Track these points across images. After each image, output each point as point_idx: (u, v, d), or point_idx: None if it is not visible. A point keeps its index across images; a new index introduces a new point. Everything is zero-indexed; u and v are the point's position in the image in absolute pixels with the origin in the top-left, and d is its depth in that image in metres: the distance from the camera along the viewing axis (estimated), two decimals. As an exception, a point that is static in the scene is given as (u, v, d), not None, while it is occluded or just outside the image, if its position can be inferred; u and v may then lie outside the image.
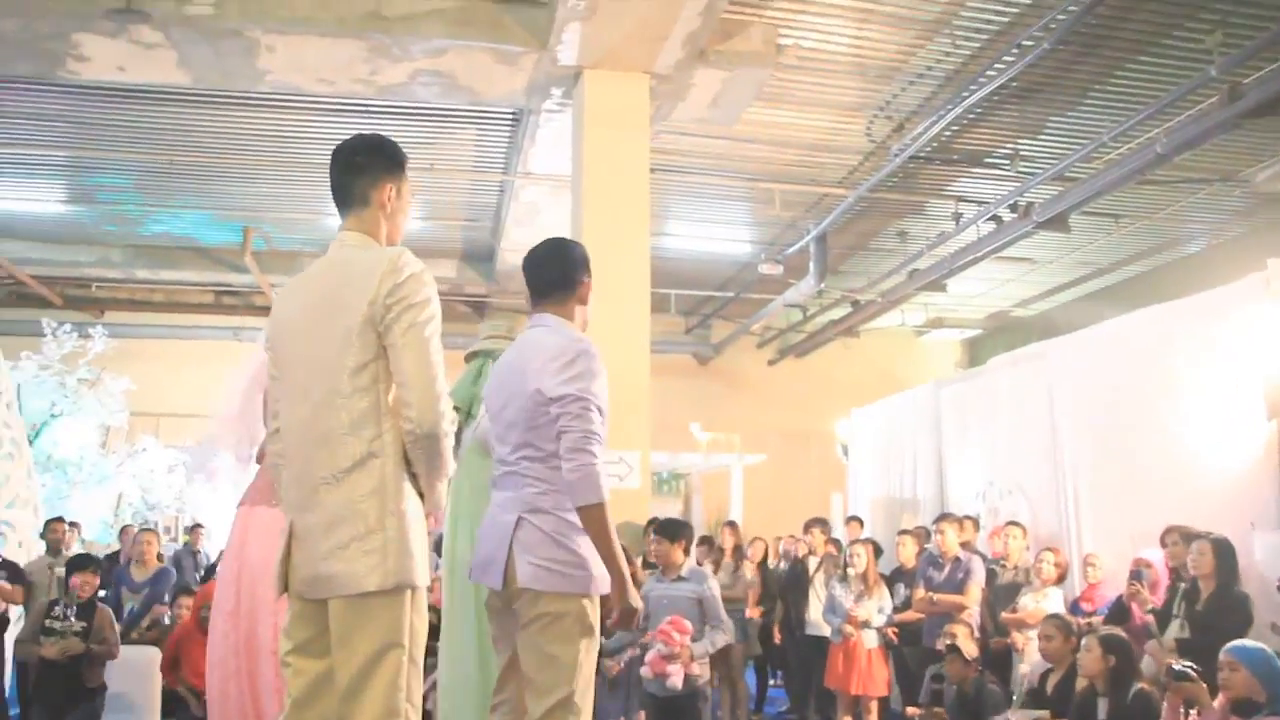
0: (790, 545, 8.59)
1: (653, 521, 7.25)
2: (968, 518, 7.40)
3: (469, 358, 3.55)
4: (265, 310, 15.06)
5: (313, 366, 2.45)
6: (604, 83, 7.62)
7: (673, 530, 5.10)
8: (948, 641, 5.57)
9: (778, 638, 7.82)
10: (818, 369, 15.04)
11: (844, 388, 13.45)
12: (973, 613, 6.14)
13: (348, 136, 2.70)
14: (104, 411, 11.43)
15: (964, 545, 7.05)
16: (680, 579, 5.02)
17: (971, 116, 8.70)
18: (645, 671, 4.90)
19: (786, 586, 7.82)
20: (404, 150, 2.70)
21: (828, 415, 13.29)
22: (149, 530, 7.93)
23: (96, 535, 10.75)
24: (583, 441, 2.71)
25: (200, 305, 13.78)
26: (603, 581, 2.76)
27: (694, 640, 4.81)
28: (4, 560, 6.60)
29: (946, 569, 6.40)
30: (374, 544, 2.33)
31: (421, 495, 2.46)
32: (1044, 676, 5.03)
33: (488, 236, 12.20)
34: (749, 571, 7.86)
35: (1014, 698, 5.57)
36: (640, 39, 7.19)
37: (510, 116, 9.11)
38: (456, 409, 3.36)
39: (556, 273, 3.02)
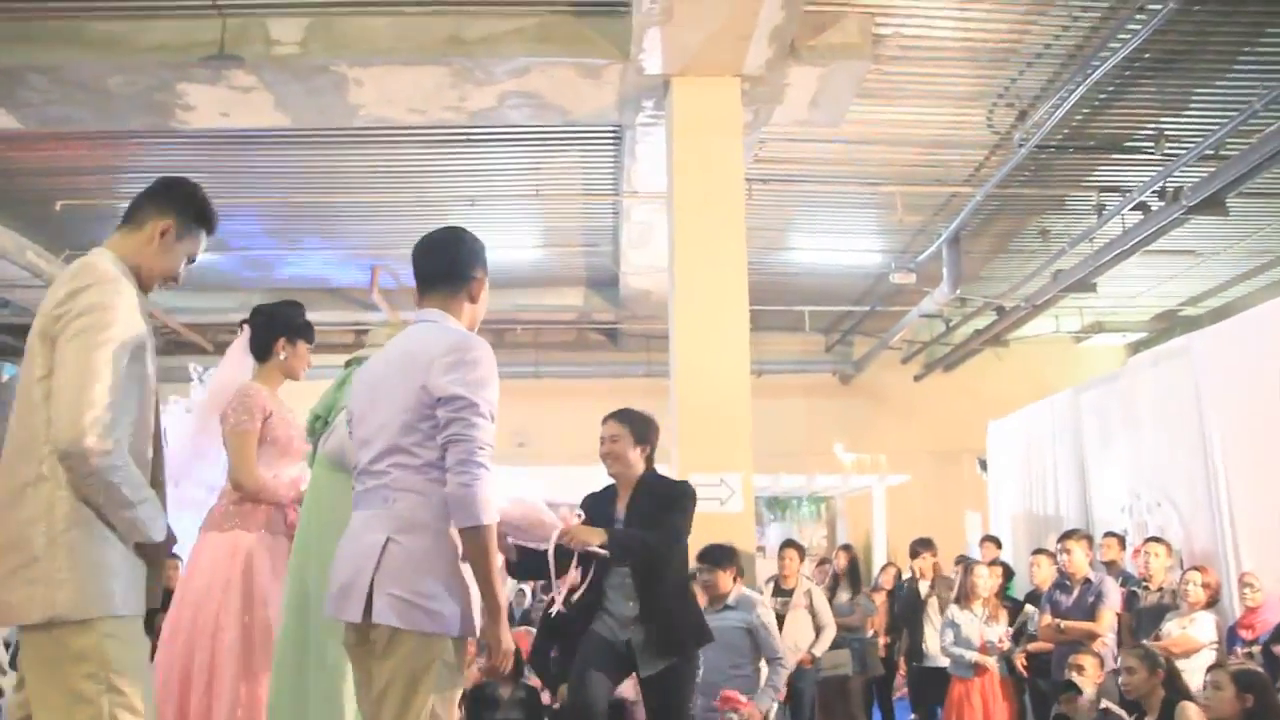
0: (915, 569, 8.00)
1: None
2: (1111, 535, 6.69)
3: (346, 365, 3.31)
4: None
5: (20, 377, 2.37)
6: (692, 89, 7.32)
7: (717, 556, 4.71)
8: (1072, 675, 4.96)
9: (901, 669, 7.26)
10: (967, 383, 14.19)
11: (996, 402, 12.56)
12: (1105, 641, 5.47)
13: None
14: (247, 450, 11.78)
15: (1109, 565, 6.40)
16: (727, 608, 4.63)
17: (1104, 96, 7.99)
18: None
19: (902, 614, 7.25)
20: (204, 210, 2.71)
21: (978, 432, 12.49)
22: None
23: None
24: (474, 454, 2.41)
25: (341, 345, 14.12)
26: (472, 621, 2.45)
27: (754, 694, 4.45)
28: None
29: (1075, 592, 5.77)
30: (36, 574, 2.16)
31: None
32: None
33: (609, 262, 12.03)
34: (871, 598, 7.34)
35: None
36: (724, 40, 6.87)
37: (611, 134, 8.93)
38: (319, 419, 3.13)
39: (444, 263, 2.74)
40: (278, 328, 3.96)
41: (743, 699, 4.39)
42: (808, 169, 9.55)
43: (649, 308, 12.41)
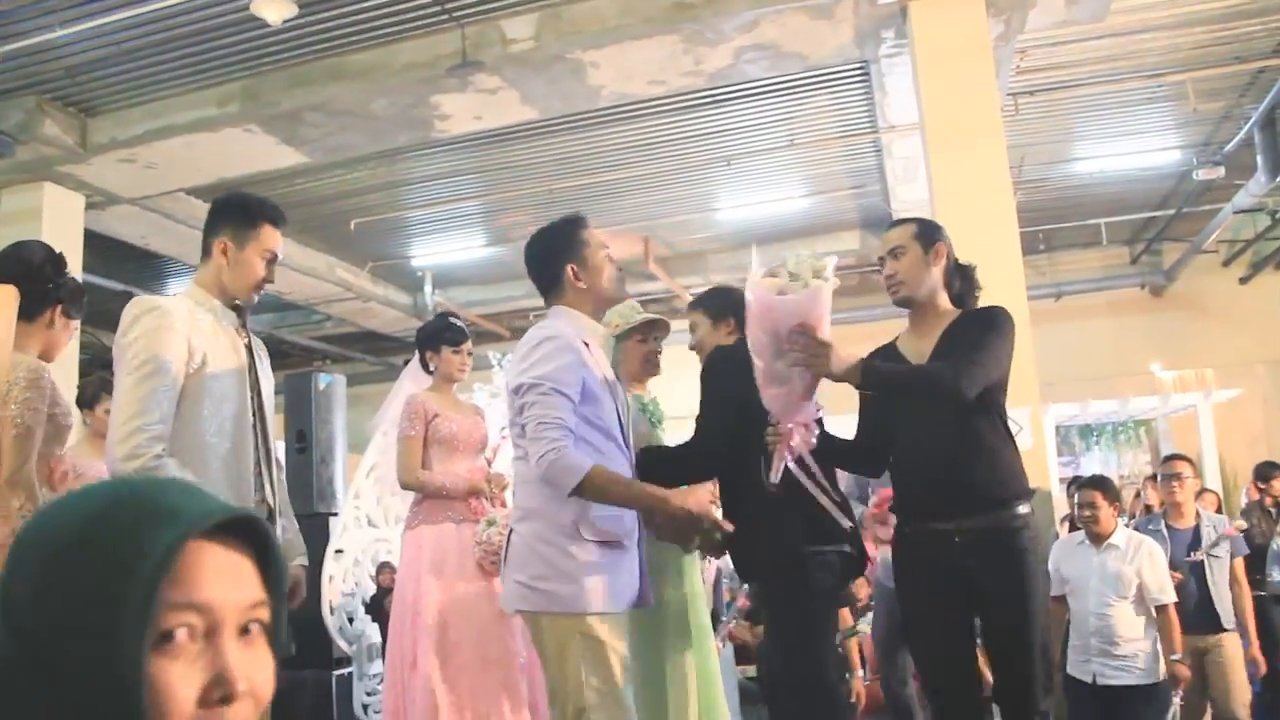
0: (1254, 496, 7.15)
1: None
2: None
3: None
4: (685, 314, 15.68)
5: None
6: (931, 10, 6.89)
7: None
8: None
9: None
10: (1306, 279, 12.59)
11: (1343, 295, 11.12)
12: None
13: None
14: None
15: None
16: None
17: None
18: None
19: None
20: (249, 209, 2.80)
21: (1326, 331, 11.09)
22: None
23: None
24: (539, 430, 2.52)
25: (626, 318, 14.55)
26: (600, 595, 2.50)
27: None
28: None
29: None
30: None
31: None
32: None
33: (880, 201, 11.61)
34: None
35: None
36: (957, -49, 6.43)
37: (858, 71, 8.57)
38: None
39: (535, 269, 2.99)
40: (421, 344, 4.38)
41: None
42: (1079, 72, 8.76)
43: (928, 241, 11.89)
